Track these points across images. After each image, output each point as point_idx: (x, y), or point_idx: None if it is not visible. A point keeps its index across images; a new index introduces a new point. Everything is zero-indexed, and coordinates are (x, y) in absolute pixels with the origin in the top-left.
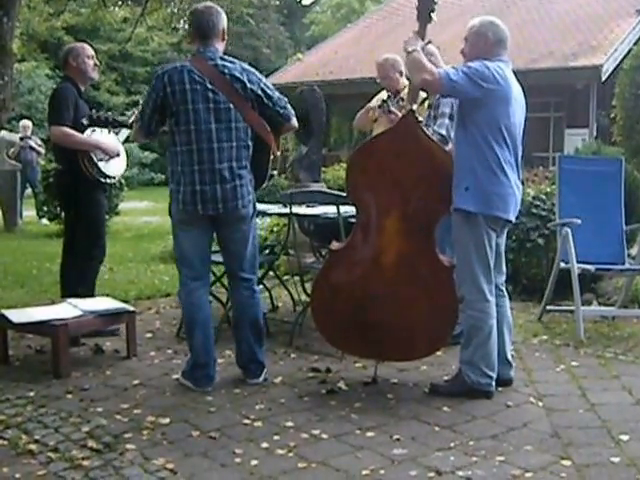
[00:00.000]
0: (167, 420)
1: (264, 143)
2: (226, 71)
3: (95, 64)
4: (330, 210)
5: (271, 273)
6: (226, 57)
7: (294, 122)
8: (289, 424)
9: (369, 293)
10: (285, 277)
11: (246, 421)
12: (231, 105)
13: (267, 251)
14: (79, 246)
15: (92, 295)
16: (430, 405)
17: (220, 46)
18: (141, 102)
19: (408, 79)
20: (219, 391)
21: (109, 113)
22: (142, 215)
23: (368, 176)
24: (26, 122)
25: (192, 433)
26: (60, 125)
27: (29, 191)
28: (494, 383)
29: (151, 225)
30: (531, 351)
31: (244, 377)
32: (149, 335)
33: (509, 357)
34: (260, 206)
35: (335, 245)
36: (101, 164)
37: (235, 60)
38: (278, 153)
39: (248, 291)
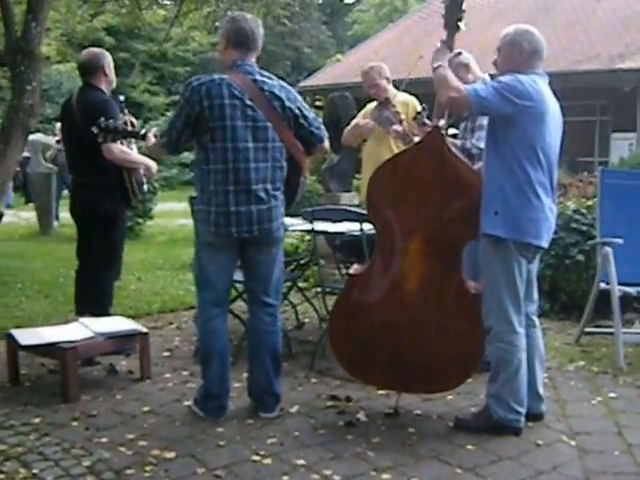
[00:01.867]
0: (173, 454)
1: (296, 164)
2: (265, 87)
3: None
4: (355, 227)
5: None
6: (264, 72)
7: (326, 144)
8: (300, 462)
9: (390, 320)
10: (317, 287)
11: (255, 457)
12: (269, 124)
13: (293, 265)
14: (100, 265)
15: (108, 313)
16: (453, 442)
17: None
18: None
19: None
20: (231, 421)
21: (119, 122)
22: (178, 217)
23: (390, 196)
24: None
25: (197, 470)
26: (114, 141)
27: (66, 192)
28: (523, 419)
29: (186, 228)
30: (566, 379)
31: (258, 410)
32: (166, 354)
33: (540, 390)
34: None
35: (355, 269)
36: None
37: (272, 76)
38: (307, 175)
39: (270, 317)
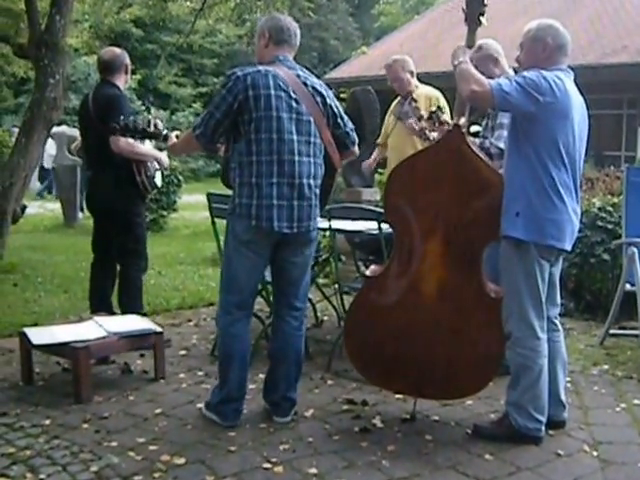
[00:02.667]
0: (182, 460)
1: (331, 164)
2: (308, 82)
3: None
4: (373, 226)
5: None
6: (304, 69)
7: (357, 149)
8: (312, 470)
9: (407, 324)
10: (336, 284)
11: (266, 465)
12: (311, 118)
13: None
14: (124, 260)
15: (141, 305)
16: (471, 451)
17: None
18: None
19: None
20: (244, 425)
21: (139, 121)
22: (203, 210)
23: (408, 195)
24: None
25: (206, 477)
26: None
27: None
28: (543, 428)
29: (210, 221)
30: (590, 384)
31: (272, 414)
32: (183, 352)
33: (562, 397)
34: None
35: (371, 270)
36: (156, 175)
37: (312, 74)
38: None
39: (297, 322)
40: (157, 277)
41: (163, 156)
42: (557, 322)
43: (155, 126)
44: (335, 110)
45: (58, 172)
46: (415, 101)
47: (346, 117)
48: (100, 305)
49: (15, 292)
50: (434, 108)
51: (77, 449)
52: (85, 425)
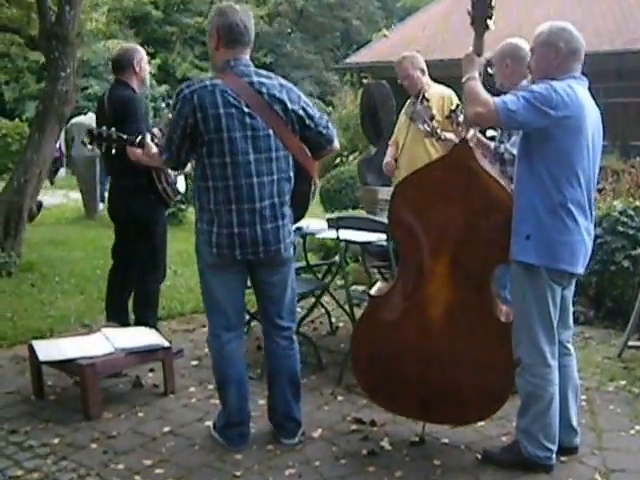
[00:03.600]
0: None
1: (305, 173)
2: (264, 90)
3: (150, 71)
4: (383, 237)
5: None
6: (260, 71)
7: (336, 144)
8: None
9: (413, 348)
10: (353, 287)
11: None
12: (271, 131)
13: (324, 269)
14: (142, 269)
15: (155, 315)
16: (480, 479)
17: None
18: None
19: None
20: (250, 447)
21: (112, 129)
22: None
23: (414, 212)
24: None
25: None
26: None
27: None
28: (554, 456)
29: None
30: (605, 402)
31: (277, 436)
32: (195, 362)
33: (574, 423)
34: (310, 224)
35: (377, 290)
36: (177, 180)
37: (271, 74)
38: (318, 182)
39: (286, 341)
40: (173, 277)
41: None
42: (569, 346)
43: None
44: (301, 113)
45: (77, 164)
46: (427, 100)
47: (317, 115)
48: (116, 314)
49: (32, 293)
50: (453, 107)
51: (84, 472)
52: (93, 445)
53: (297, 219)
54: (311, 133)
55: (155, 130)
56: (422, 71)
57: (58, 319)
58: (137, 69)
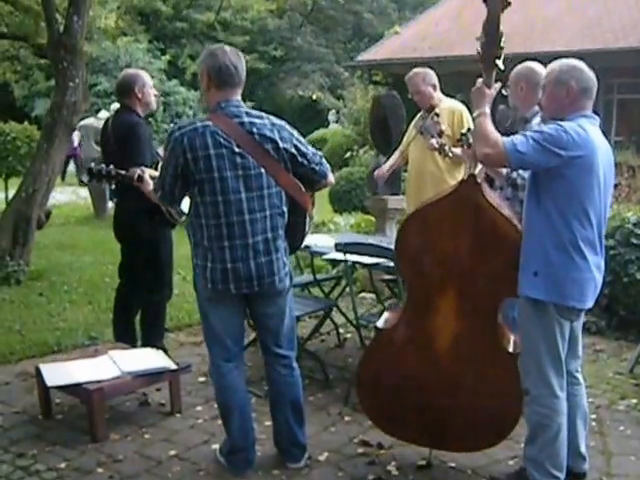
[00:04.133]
0: None
1: (299, 206)
2: (254, 130)
3: (155, 94)
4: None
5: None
6: (251, 111)
7: (331, 179)
8: None
9: (420, 379)
10: (361, 294)
11: None
12: (262, 170)
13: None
14: (148, 288)
15: (161, 334)
16: None
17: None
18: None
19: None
20: (256, 472)
21: (111, 167)
22: None
23: (421, 246)
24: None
25: None
26: (142, 165)
27: None
28: None
29: None
30: (615, 422)
31: (283, 460)
32: (202, 379)
33: (582, 450)
34: (317, 242)
35: (384, 321)
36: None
37: (262, 114)
38: (314, 213)
39: (286, 369)
40: (181, 284)
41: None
42: (578, 375)
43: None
44: (292, 151)
45: (86, 165)
46: (437, 115)
47: (311, 152)
48: (123, 333)
49: (41, 303)
50: (464, 127)
51: None
52: (99, 470)
53: (294, 250)
54: (304, 170)
55: (160, 150)
56: (433, 87)
57: (66, 332)
58: (139, 95)
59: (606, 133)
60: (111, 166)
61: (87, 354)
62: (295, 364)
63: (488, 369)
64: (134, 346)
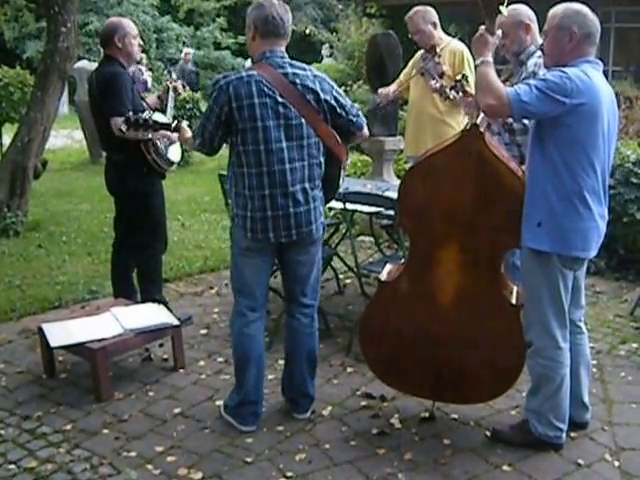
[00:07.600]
0: (199, 475)
1: (335, 157)
2: (297, 81)
3: (139, 44)
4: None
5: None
6: (295, 62)
7: (366, 131)
8: None
9: (423, 331)
10: (359, 237)
11: None
12: (303, 120)
13: (331, 229)
14: (142, 242)
15: (160, 289)
16: (489, 461)
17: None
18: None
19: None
20: (261, 429)
21: (148, 115)
22: None
23: (423, 200)
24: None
25: None
26: (123, 116)
27: None
28: (564, 435)
29: None
30: (616, 368)
31: (291, 410)
32: (204, 332)
33: (585, 400)
34: None
35: (386, 273)
36: (169, 150)
37: (305, 65)
38: (348, 163)
39: (307, 319)
40: (180, 231)
41: (171, 134)
42: (581, 325)
43: (175, 90)
44: (332, 103)
45: (81, 108)
46: (439, 56)
47: (349, 104)
48: (122, 289)
49: (40, 256)
50: (465, 70)
51: (97, 461)
52: (105, 430)
53: (327, 200)
54: (342, 121)
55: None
56: (434, 25)
57: (66, 286)
58: (119, 45)
59: (603, 61)
60: (147, 114)
61: (89, 311)
62: (316, 315)
63: (491, 321)
64: (134, 300)
